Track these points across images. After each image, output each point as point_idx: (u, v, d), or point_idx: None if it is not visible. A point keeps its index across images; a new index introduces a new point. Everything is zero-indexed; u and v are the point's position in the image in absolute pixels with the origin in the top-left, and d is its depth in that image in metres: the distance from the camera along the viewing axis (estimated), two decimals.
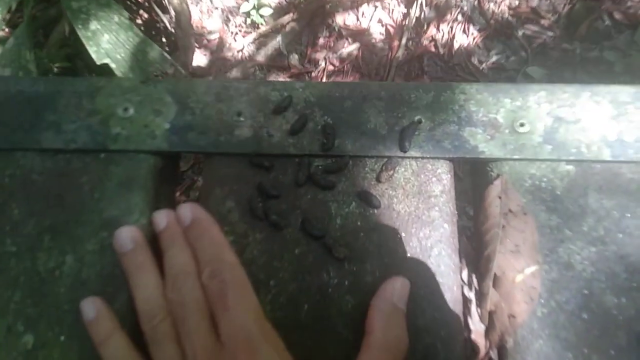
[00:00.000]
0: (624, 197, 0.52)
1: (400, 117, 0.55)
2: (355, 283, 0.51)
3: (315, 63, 2.22)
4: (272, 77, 2.21)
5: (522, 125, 0.54)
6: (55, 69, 1.96)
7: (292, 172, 0.55)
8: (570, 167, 0.54)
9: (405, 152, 0.53)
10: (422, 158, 0.54)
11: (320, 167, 0.55)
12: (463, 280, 0.53)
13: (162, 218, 0.52)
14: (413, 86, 0.56)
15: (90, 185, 0.54)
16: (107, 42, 1.44)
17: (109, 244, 0.52)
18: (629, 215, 0.52)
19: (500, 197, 0.53)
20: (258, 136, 0.55)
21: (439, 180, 0.54)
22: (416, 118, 0.55)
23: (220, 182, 0.55)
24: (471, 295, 0.52)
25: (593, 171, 0.53)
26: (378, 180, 0.54)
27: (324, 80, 2.15)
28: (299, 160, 0.55)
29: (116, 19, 1.43)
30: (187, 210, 0.52)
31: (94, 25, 1.44)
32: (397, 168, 0.54)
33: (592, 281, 0.50)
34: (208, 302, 0.46)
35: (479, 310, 0.51)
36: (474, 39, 2.10)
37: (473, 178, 0.58)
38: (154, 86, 0.57)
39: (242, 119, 0.55)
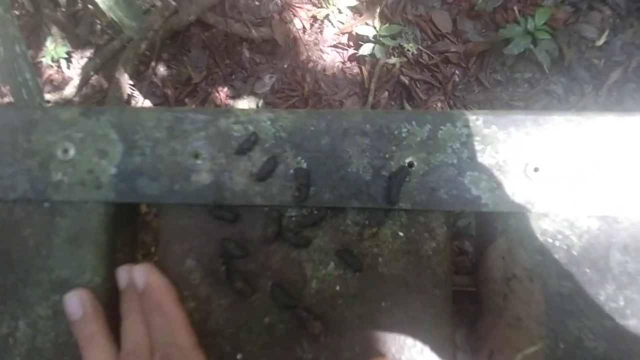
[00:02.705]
0: None
1: (388, 158, 0.46)
2: (332, 359, 0.45)
3: None
4: None
5: (536, 170, 0.44)
6: None
7: (261, 225, 0.47)
8: (591, 222, 0.44)
9: (393, 206, 0.45)
10: (413, 210, 0.46)
11: (293, 218, 0.47)
12: (458, 346, 0.47)
13: (123, 277, 0.47)
14: (405, 117, 0.46)
15: (35, 239, 0.48)
16: None
17: (61, 308, 0.47)
18: None
19: (503, 258, 0.45)
20: (219, 183, 0.46)
21: (432, 236, 0.46)
22: (407, 160, 0.45)
23: (179, 236, 0.48)
24: None
25: (619, 226, 0.44)
26: (360, 237, 0.46)
27: None
28: (268, 210, 0.47)
29: None
30: (140, 276, 0.46)
31: None
32: (382, 222, 0.46)
33: None
34: None
35: None
36: None
37: (476, 228, 0.50)
38: (96, 119, 0.48)
39: (199, 161, 0.47)
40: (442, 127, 0.45)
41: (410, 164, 0.45)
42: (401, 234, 0.46)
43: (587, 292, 0.44)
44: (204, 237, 0.47)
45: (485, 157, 0.45)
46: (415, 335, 0.45)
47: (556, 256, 0.44)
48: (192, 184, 0.47)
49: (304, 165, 0.46)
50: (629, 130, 0.44)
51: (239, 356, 0.46)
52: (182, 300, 0.46)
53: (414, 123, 0.46)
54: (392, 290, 0.46)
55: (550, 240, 0.45)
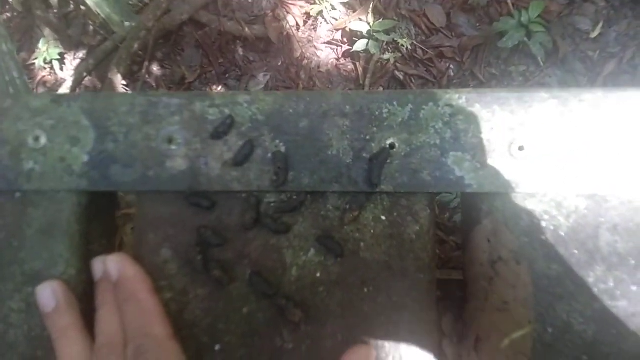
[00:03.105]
0: None
1: (369, 139, 0.44)
2: (313, 348, 0.44)
3: None
4: None
5: (521, 149, 0.43)
6: None
7: (239, 211, 0.46)
8: (579, 202, 0.43)
9: (374, 189, 0.43)
10: (396, 193, 0.44)
11: (272, 204, 0.45)
12: (444, 333, 0.45)
13: (98, 268, 0.46)
14: (385, 97, 0.44)
15: (6, 231, 0.46)
16: None
17: (34, 301, 0.45)
18: None
19: (489, 241, 0.43)
20: (194, 169, 0.45)
21: (416, 219, 0.45)
22: (388, 142, 0.44)
23: (154, 225, 0.46)
24: (449, 353, 0.45)
25: (608, 205, 0.43)
26: (342, 222, 0.45)
27: None
28: (246, 196, 0.45)
29: None
30: (114, 266, 0.44)
31: None
32: (364, 206, 0.44)
33: (594, 345, 0.42)
34: None
35: None
36: None
37: (462, 211, 0.48)
38: (67, 106, 0.46)
39: (174, 147, 0.45)
40: (424, 106, 0.44)
41: (392, 145, 0.44)
42: (383, 217, 0.45)
43: (575, 274, 0.42)
44: (179, 225, 0.46)
45: (468, 136, 0.43)
46: (399, 321, 0.43)
47: (543, 237, 0.43)
48: (167, 170, 0.45)
49: (283, 149, 0.45)
50: (617, 106, 0.42)
51: (217, 347, 0.44)
52: (158, 291, 0.45)
53: (395, 103, 0.44)
54: (374, 276, 0.44)
55: (537, 221, 0.43)
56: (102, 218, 0.50)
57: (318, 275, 0.44)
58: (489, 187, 0.43)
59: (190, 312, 0.45)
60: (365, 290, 0.44)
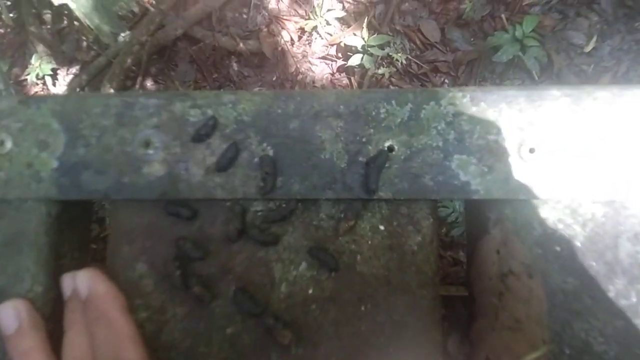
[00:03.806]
0: None
1: (366, 142, 0.40)
2: None
3: None
4: None
5: (531, 151, 0.39)
6: None
7: (222, 221, 0.42)
8: (596, 209, 0.39)
9: (372, 196, 0.40)
10: (395, 200, 0.40)
11: (259, 213, 0.41)
12: (450, 354, 0.41)
13: (68, 285, 0.42)
14: (383, 96, 0.41)
15: None
16: None
17: None
18: None
19: (498, 252, 0.40)
20: (173, 174, 0.41)
21: (417, 229, 0.41)
22: (387, 144, 0.40)
23: (129, 237, 0.42)
24: None
25: (627, 212, 0.39)
26: (336, 232, 0.41)
27: None
28: (230, 204, 0.41)
29: None
30: (84, 283, 0.40)
31: None
32: (360, 214, 0.41)
33: None
34: None
35: None
36: None
37: (466, 219, 0.44)
38: (36, 107, 0.42)
39: (151, 151, 0.41)
40: (425, 106, 0.40)
41: (390, 148, 0.40)
42: (382, 227, 0.41)
43: (594, 288, 0.38)
44: (156, 236, 0.42)
45: (474, 138, 0.40)
46: (400, 342, 0.39)
47: (558, 248, 0.39)
48: (143, 176, 0.41)
49: (270, 153, 0.41)
50: (634, 104, 0.39)
51: None
52: (133, 310, 0.41)
53: (393, 102, 0.41)
54: (372, 292, 0.40)
55: (550, 231, 0.39)
56: (74, 229, 0.45)
57: (310, 291, 0.40)
58: (498, 193, 0.39)
59: (168, 333, 0.40)
60: (363, 307, 0.40)
